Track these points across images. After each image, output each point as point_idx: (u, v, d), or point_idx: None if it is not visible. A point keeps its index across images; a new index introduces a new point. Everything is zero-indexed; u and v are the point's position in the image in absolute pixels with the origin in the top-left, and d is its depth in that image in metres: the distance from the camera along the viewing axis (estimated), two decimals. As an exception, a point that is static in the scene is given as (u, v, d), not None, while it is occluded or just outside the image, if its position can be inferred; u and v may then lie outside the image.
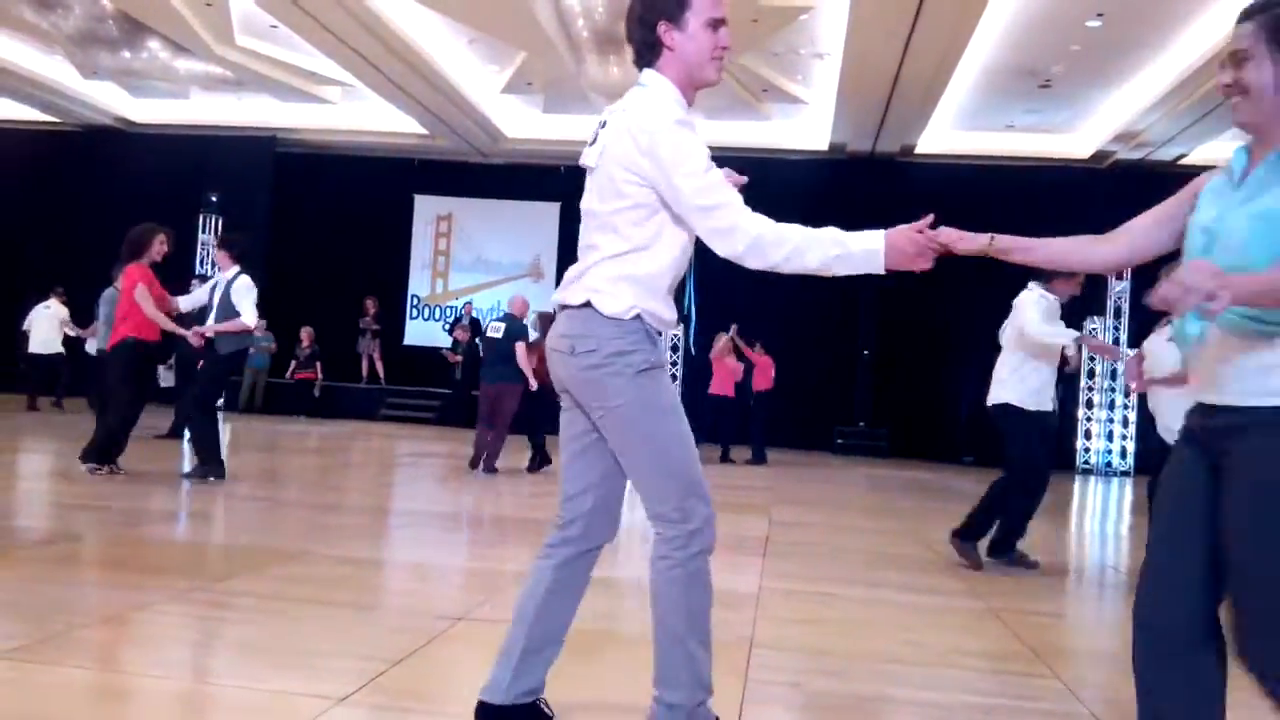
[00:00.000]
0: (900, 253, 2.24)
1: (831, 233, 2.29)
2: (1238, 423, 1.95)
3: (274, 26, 13.06)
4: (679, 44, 2.39)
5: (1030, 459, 5.74)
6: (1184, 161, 15.92)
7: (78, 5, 13.05)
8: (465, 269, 18.86)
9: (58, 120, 18.14)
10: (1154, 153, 15.53)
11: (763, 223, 2.27)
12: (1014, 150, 16.07)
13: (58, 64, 15.70)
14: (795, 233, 2.27)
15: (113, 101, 17.50)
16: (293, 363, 17.11)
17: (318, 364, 17.15)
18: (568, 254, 15.12)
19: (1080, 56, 12.68)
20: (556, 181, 16.02)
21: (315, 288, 17.83)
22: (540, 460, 10.19)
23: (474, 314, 17.39)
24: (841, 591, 4.97)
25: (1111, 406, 15.98)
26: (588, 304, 2.37)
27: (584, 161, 2.52)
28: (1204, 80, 12.32)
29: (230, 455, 7.56)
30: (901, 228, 2.27)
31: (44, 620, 3.40)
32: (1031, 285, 6.06)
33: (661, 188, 2.31)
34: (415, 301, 19.06)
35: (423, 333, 18.78)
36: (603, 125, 2.46)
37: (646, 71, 2.45)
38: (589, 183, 2.49)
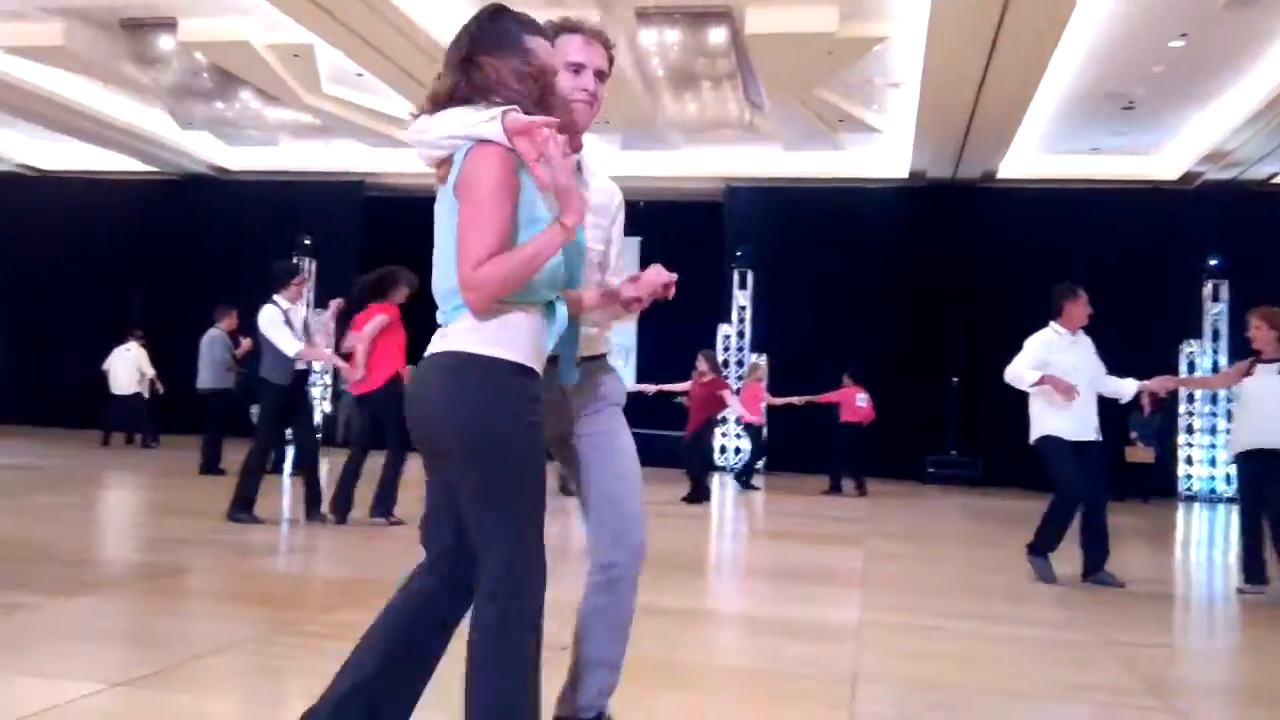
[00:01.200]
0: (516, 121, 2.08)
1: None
2: None
3: (359, 75, 13.44)
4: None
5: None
6: (1277, 180, 15.46)
7: (175, 60, 13.60)
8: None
9: (157, 169, 18.87)
10: (1244, 172, 15.09)
11: None
12: (1100, 173, 15.76)
13: (156, 116, 16.36)
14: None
15: (208, 150, 18.15)
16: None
17: None
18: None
19: (1164, 77, 12.41)
20: (636, 217, 15.98)
21: (406, 324, 18.11)
22: (697, 494, 10.38)
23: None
24: (945, 624, 4.89)
25: (1213, 432, 15.46)
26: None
27: None
28: (1296, 98, 11.99)
29: (328, 488, 7.67)
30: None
31: (166, 650, 3.52)
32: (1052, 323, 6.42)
33: None
34: (498, 338, 19.29)
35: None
36: None
37: None
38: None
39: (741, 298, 16.92)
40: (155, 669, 3.24)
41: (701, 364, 10.96)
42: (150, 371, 14.74)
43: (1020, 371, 6.21)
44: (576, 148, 2.44)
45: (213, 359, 10.94)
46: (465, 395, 2.05)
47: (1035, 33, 10.51)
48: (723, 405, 11.06)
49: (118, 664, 3.34)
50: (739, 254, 16.71)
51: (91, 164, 18.70)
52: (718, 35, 11.68)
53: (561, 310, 2.16)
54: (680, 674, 3.56)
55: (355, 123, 15.46)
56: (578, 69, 2.43)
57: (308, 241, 17.04)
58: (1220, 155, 14.46)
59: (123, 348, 14.74)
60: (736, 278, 16.92)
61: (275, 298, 7.39)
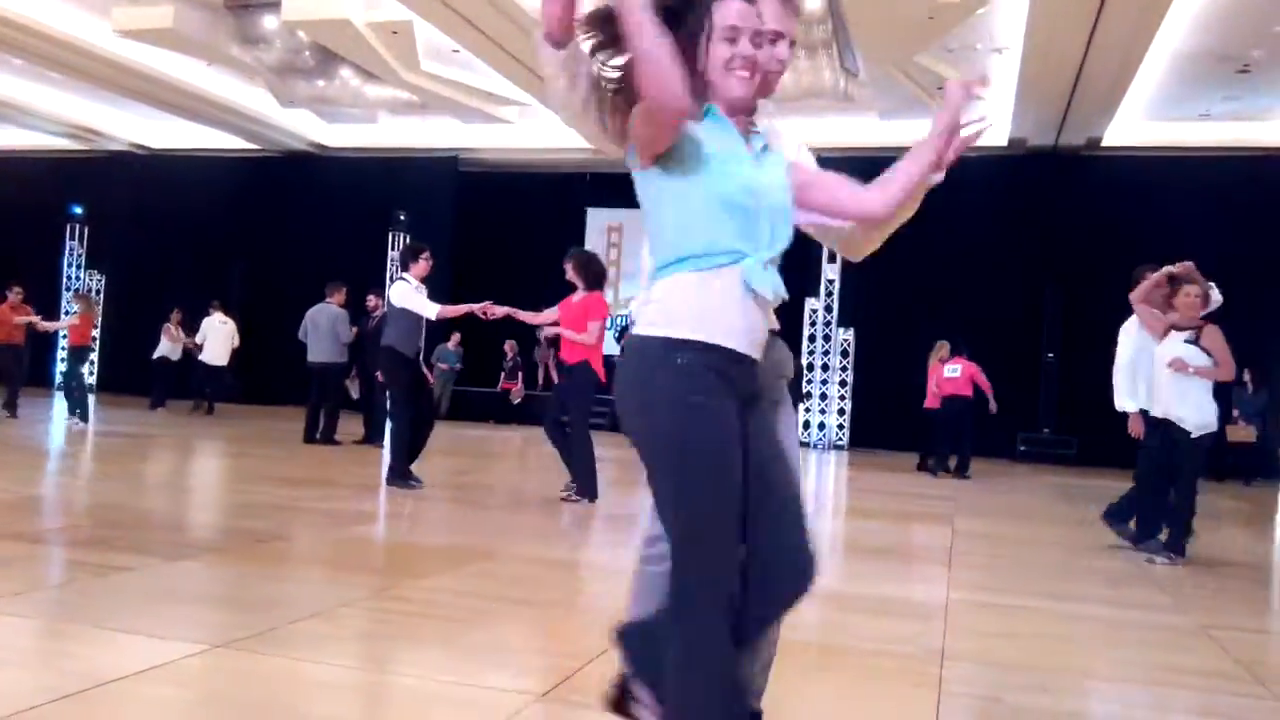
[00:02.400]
0: None
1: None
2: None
3: (456, 51, 13.58)
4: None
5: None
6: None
7: (278, 39, 13.94)
8: (634, 279, 19.13)
9: (259, 147, 19.41)
10: (1371, 137, 14.35)
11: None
12: (1210, 140, 15.09)
13: (259, 95, 16.79)
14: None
15: (308, 128, 18.59)
16: (501, 374, 18.08)
17: (519, 374, 18.04)
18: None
19: (1284, 38, 11.84)
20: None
21: (497, 299, 18.33)
22: None
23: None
24: (1035, 604, 4.80)
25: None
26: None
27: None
28: None
29: (423, 460, 7.90)
30: None
31: (263, 614, 3.65)
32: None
33: None
34: (589, 311, 19.48)
35: (596, 342, 19.23)
36: None
37: None
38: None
39: (830, 271, 16.70)
40: (255, 632, 3.36)
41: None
42: (237, 344, 15.37)
43: (1121, 385, 6.69)
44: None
45: (332, 335, 11.23)
46: (623, 378, 2.01)
47: (1145, -8, 10.13)
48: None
49: (218, 626, 3.48)
50: (829, 226, 16.47)
51: (197, 142, 19.33)
52: (814, 1, 11.49)
53: (751, 264, 1.96)
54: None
55: (451, 99, 15.66)
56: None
57: (402, 216, 17.35)
58: (1343, 120, 13.77)
59: (217, 319, 15.29)
60: (825, 251, 16.71)
61: (404, 275, 7.79)
